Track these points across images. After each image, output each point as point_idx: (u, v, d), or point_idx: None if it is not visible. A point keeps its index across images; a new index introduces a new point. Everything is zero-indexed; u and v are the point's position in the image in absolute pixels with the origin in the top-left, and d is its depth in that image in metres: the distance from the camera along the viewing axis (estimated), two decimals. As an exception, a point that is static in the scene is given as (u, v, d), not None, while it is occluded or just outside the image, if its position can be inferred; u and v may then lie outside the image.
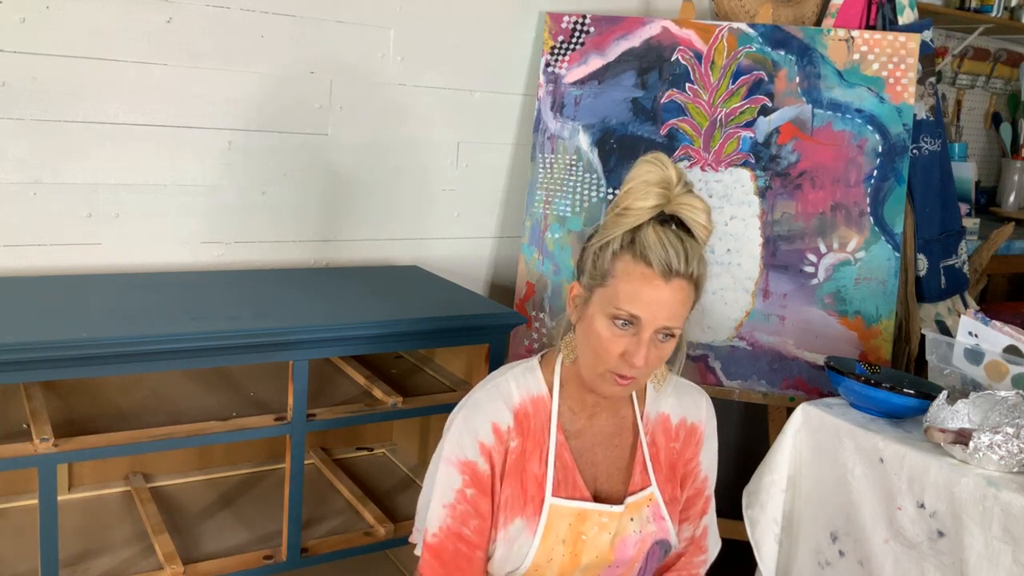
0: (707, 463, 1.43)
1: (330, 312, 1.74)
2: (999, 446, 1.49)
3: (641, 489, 1.35)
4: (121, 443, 1.53)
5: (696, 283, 1.24)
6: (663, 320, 1.21)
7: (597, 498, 1.32)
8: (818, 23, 2.46)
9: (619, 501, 1.32)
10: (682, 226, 1.24)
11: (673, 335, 1.24)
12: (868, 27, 2.41)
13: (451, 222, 2.35)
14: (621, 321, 1.22)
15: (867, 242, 2.13)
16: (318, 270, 2.12)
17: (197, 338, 1.51)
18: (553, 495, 1.30)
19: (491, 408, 1.31)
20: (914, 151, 2.31)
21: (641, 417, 1.38)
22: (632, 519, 1.33)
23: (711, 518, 1.46)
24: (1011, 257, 3.25)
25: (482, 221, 2.41)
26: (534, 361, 1.37)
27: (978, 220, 3.18)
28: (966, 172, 3.35)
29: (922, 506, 1.56)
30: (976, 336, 1.78)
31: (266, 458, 2.07)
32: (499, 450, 1.30)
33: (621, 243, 1.23)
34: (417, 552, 1.35)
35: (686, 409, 1.41)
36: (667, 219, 1.24)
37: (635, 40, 2.26)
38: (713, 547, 1.48)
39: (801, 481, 1.79)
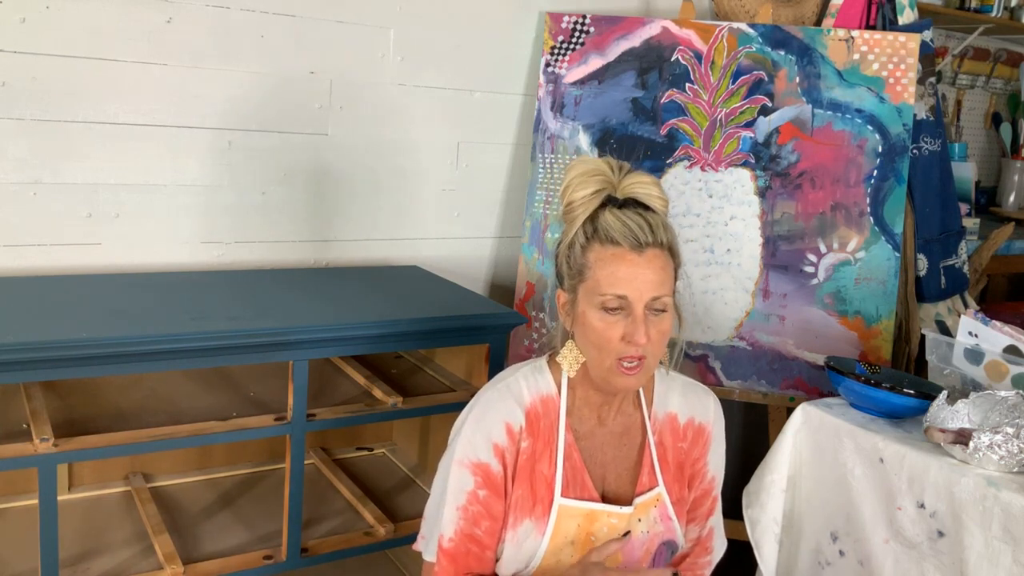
0: (714, 464, 1.43)
1: (330, 312, 1.74)
2: (999, 446, 1.49)
3: (649, 489, 1.35)
4: (121, 443, 1.53)
5: (670, 250, 1.26)
6: (649, 292, 1.22)
7: (605, 499, 1.32)
8: (818, 23, 2.46)
9: (627, 502, 1.32)
10: (640, 205, 1.27)
11: (665, 307, 1.25)
12: (868, 27, 2.41)
13: (451, 222, 2.35)
14: (610, 307, 1.23)
15: (867, 242, 2.13)
16: (318, 270, 2.12)
17: (197, 338, 1.51)
18: (562, 496, 1.29)
19: (503, 408, 1.31)
20: (914, 151, 2.31)
21: (649, 417, 1.38)
22: (640, 520, 1.33)
23: (717, 519, 1.46)
24: (1011, 257, 3.25)
25: (482, 221, 2.41)
26: (542, 361, 1.37)
27: (978, 220, 3.18)
28: (966, 172, 3.35)
29: (922, 506, 1.55)
30: (976, 336, 1.78)
31: (266, 458, 2.07)
32: (511, 450, 1.29)
33: (585, 235, 1.26)
34: (427, 557, 1.34)
35: (694, 409, 1.41)
36: (622, 203, 1.26)
37: (635, 40, 2.26)
38: (719, 548, 1.47)
39: (801, 481, 1.79)
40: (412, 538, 1.46)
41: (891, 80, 2.15)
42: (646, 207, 1.27)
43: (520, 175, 2.41)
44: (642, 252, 1.23)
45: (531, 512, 1.29)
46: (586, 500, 1.30)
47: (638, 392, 1.38)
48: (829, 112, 2.16)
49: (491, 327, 1.83)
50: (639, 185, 1.27)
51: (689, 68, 2.22)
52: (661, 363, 1.37)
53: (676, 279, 1.29)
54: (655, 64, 2.24)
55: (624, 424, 1.37)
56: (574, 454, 1.32)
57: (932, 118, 2.38)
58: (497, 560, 1.31)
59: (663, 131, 2.23)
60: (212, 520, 1.82)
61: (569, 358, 1.32)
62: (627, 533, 1.28)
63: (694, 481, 1.41)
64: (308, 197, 2.13)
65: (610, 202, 1.26)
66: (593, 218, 1.26)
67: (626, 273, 1.22)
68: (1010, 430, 1.49)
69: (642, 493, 1.34)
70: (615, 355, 1.25)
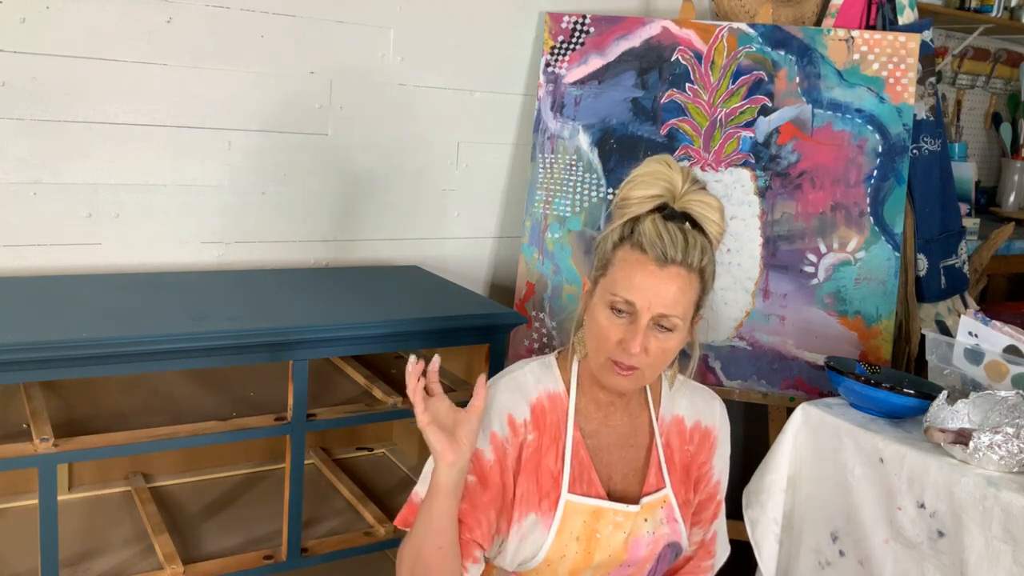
0: (719, 467, 1.43)
1: (330, 312, 1.74)
2: (999, 446, 1.49)
3: (656, 490, 1.35)
4: (121, 443, 1.53)
5: (701, 274, 1.25)
6: (659, 307, 1.22)
7: (611, 497, 1.33)
8: (818, 23, 2.46)
9: (633, 501, 1.33)
10: (694, 224, 1.26)
11: (673, 327, 1.24)
12: (868, 27, 2.41)
13: (451, 222, 2.35)
14: (618, 308, 1.24)
15: (867, 242, 2.13)
16: (318, 270, 2.12)
17: (197, 338, 1.51)
18: (569, 492, 1.30)
19: (507, 399, 1.31)
20: (914, 151, 2.31)
21: (656, 419, 1.38)
22: (646, 520, 1.33)
23: (721, 523, 1.47)
24: (1011, 257, 3.25)
25: (482, 221, 2.41)
26: (551, 358, 1.38)
27: (978, 220, 3.18)
28: (966, 172, 3.35)
29: (922, 506, 1.55)
30: (976, 336, 1.78)
31: (266, 458, 2.07)
32: (513, 442, 1.30)
33: (621, 233, 1.26)
34: None
35: (700, 413, 1.41)
36: (676, 215, 1.25)
37: (635, 40, 2.26)
38: (721, 553, 1.47)
39: (801, 481, 1.79)
40: (412, 538, 1.46)
41: (891, 80, 2.15)
42: (698, 228, 1.26)
43: (520, 175, 2.41)
44: (664, 267, 1.22)
45: (537, 506, 1.29)
46: (593, 497, 1.31)
47: (645, 394, 1.39)
48: (829, 112, 2.16)
49: (491, 327, 1.83)
50: (700, 204, 1.25)
51: (689, 68, 2.22)
52: (669, 368, 1.38)
53: (700, 305, 1.28)
54: (655, 64, 2.24)
55: (631, 425, 1.37)
56: (581, 451, 1.32)
57: (932, 118, 2.38)
58: (500, 554, 1.31)
59: (663, 131, 2.23)
60: (212, 520, 1.82)
61: (581, 343, 1.33)
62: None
63: (699, 484, 1.41)
64: (308, 197, 2.13)
65: (662, 209, 1.25)
66: (637, 219, 1.25)
67: (641, 282, 1.22)
68: (1010, 430, 1.49)
69: (649, 494, 1.34)
70: (609, 355, 1.25)
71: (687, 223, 1.26)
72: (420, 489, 1.30)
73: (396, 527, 1.79)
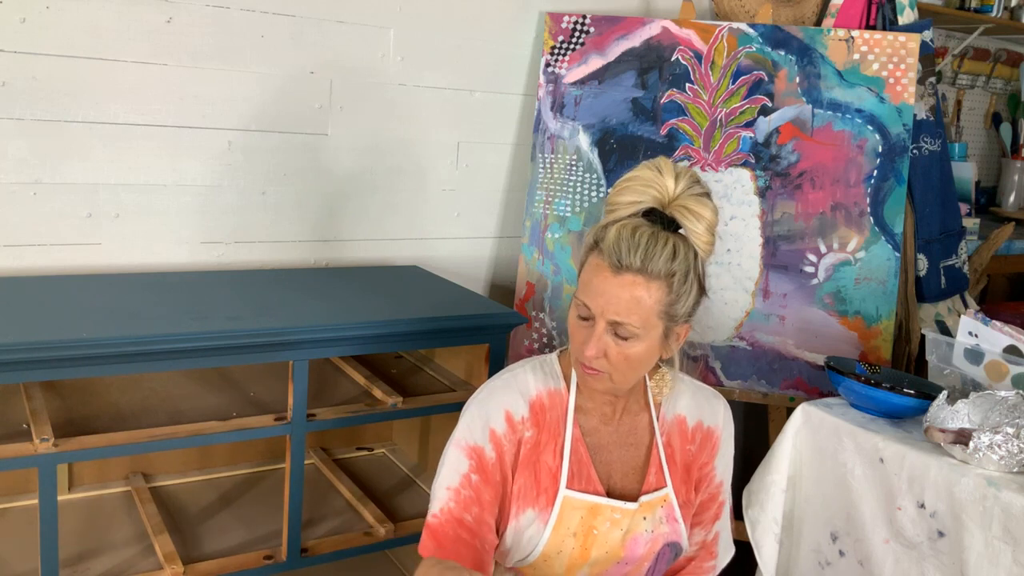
0: (722, 468, 1.43)
1: (330, 312, 1.74)
2: (999, 446, 1.49)
3: (656, 489, 1.35)
4: (121, 443, 1.53)
5: (668, 282, 1.22)
6: (611, 313, 1.22)
7: (610, 495, 1.33)
8: (818, 23, 2.46)
9: (633, 499, 1.33)
10: (679, 230, 1.26)
11: (630, 335, 1.23)
12: (868, 27, 2.41)
13: (451, 222, 2.35)
14: (580, 313, 1.26)
15: (867, 242, 2.13)
16: (318, 270, 2.12)
17: (197, 338, 1.51)
18: (567, 487, 1.30)
19: (506, 397, 1.32)
20: (914, 151, 2.31)
21: (657, 418, 1.38)
22: (645, 518, 1.33)
23: (724, 524, 1.46)
24: (1011, 257, 3.25)
25: (482, 221, 2.41)
26: (552, 356, 1.39)
27: (978, 220, 3.18)
28: (966, 172, 3.35)
29: (922, 506, 1.56)
30: (976, 336, 1.78)
31: (266, 458, 2.07)
32: (511, 439, 1.30)
33: (594, 238, 1.27)
34: None
35: (703, 413, 1.41)
36: (663, 220, 1.25)
37: (635, 40, 2.26)
38: (724, 554, 1.47)
39: (801, 481, 1.79)
40: (412, 538, 1.46)
41: (891, 80, 2.15)
42: (682, 235, 1.25)
43: (520, 175, 2.41)
44: (619, 273, 1.22)
45: (534, 502, 1.30)
46: (591, 493, 1.31)
47: (645, 393, 1.39)
48: (829, 112, 2.16)
49: (491, 327, 1.83)
50: (688, 216, 1.24)
51: (689, 68, 2.22)
52: (668, 366, 1.38)
53: (674, 315, 1.25)
54: (655, 64, 2.24)
55: (631, 424, 1.37)
56: (580, 448, 1.32)
57: (932, 118, 2.39)
58: (495, 549, 1.31)
59: (663, 131, 2.23)
60: (212, 520, 1.82)
61: None
62: None
63: (701, 485, 1.41)
64: (308, 197, 2.13)
65: (648, 214, 1.25)
66: (610, 224, 1.25)
67: (597, 287, 1.23)
68: (1010, 430, 1.49)
69: (649, 492, 1.34)
70: (576, 356, 1.28)
71: (677, 229, 1.25)
72: (434, 507, 1.29)
73: (396, 528, 1.80)
